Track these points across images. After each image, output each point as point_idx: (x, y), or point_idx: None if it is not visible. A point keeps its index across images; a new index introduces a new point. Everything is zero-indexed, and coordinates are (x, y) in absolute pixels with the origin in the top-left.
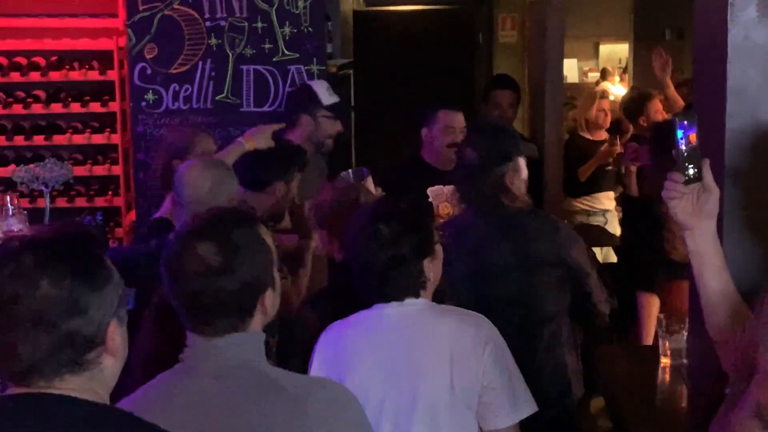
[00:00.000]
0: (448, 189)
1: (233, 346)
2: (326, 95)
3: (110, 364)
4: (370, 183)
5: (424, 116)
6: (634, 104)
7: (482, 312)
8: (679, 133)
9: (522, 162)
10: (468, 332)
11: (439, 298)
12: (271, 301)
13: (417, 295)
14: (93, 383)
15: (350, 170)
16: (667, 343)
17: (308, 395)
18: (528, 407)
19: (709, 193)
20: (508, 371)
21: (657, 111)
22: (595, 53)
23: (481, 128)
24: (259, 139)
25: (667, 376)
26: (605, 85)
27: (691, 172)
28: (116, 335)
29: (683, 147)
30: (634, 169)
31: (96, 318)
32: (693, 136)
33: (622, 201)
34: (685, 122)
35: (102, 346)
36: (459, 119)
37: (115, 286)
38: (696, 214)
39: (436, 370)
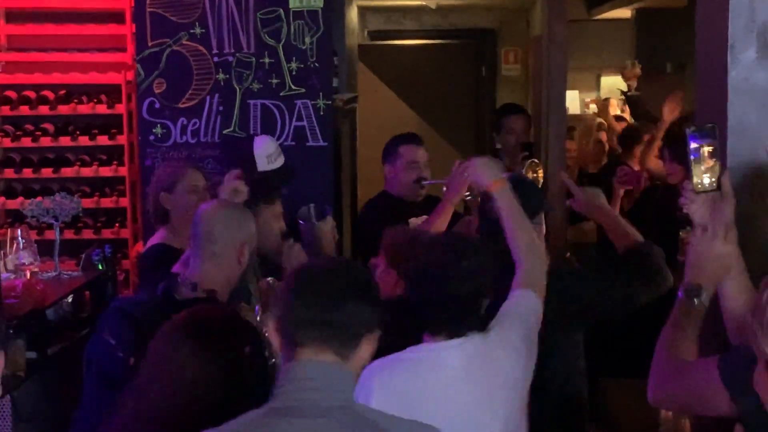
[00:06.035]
0: (422, 220)
1: None
2: (264, 162)
3: None
4: (330, 222)
5: (385, 152)
6: (629, 137)
7: None
8: (691, 145)
9: (542, 217)
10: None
11: None
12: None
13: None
14: None
15: (311, 205)
16: None
17: None
18: None
19: (725, 201)
20: None
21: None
22: (597, 85)
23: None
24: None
25: (671, 411)
26: (610, 114)
27: (706, 181)
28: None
29: (692, 158)
30: (621, 192)
31: None
32: (707, 147)
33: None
34: (697, 135)
35: None
36: (421, 153)
37: None
38: (713, 219)
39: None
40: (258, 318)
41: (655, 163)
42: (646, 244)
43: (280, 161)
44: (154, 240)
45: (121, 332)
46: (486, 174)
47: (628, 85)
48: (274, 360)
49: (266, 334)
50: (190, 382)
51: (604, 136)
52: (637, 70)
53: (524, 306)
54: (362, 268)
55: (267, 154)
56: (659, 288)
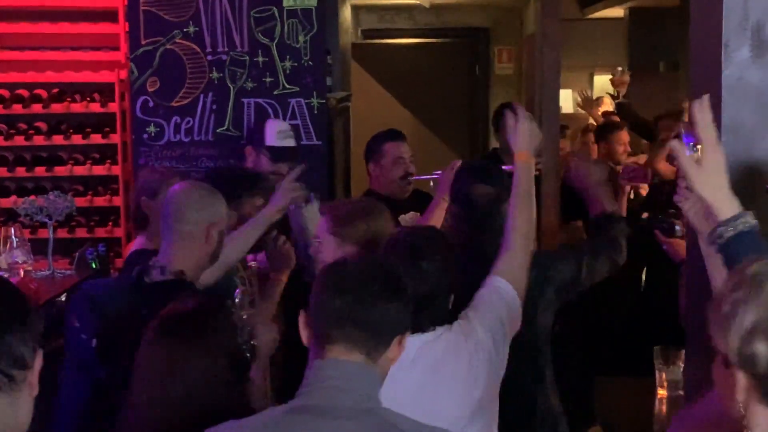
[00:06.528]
0: (411, 216)
1: None
2: (274, 136)
3: (28, 400)
4: (316, 207)
5: (369, 150)
6: (601, 130)
7: None
8: (685, 143)
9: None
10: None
11: None
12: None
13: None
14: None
15: None
16: (663, 375)
17: None
18: None
19: None
20: None
21: (618, 141)
22: (590, 83)
23: (485, 165)
24: (283, 199)
25: (664, 408)
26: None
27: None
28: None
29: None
30: (628, 188)
31: (30, 338)
32: (700, 146)
33: None
34: (691, 133)
35: (30, 370)
36: (405, 149)
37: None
38: (706, 218)
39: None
40: (237, 300)
41: (664, 166)
42: (614, 214)
43: (289, 142)
44: (133, 247)
45: (84, 315)
46: (522, 141)
47: (617, 92)
48: (253, 342)
49: (244, 317)
50: (183, 382)
51: (591, 137)
52: (626, 78)
53: (495, 295)
54: (395, 268)
55: (278, 129)
56: (617, 260)
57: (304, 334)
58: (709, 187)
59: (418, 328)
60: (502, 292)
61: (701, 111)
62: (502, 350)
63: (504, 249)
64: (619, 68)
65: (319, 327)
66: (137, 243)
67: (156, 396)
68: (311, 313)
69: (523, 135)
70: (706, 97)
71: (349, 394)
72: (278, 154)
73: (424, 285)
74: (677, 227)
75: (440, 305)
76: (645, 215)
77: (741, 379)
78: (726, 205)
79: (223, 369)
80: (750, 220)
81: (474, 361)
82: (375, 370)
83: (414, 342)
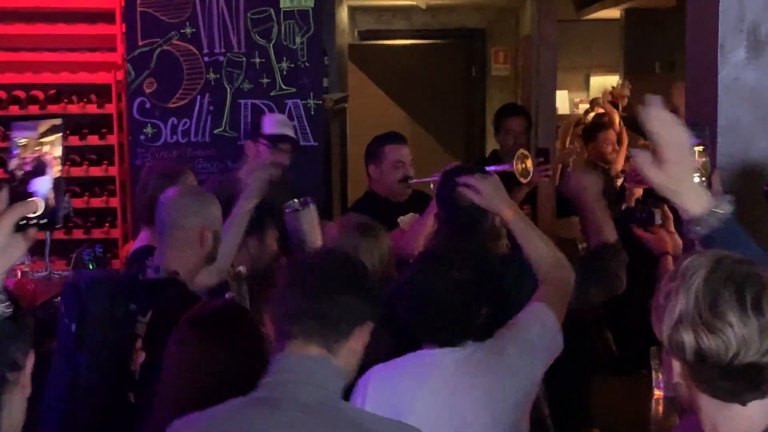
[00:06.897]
0: (410, 218)
1: None
2: (272, 125)
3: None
4: (314, 212)
5: (369, 153)
6: (589, 131)
7: None
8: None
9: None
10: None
11: None
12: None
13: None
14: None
15: (296, 200)
16: (660, 376)
17: None
18: None
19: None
20: None
21: (606, 141)
22: (586, 85)
23: (470, 169)
24: (255, 189)
25: (660, 408)
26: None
27: (696, 179)
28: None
29: None
30: (635, 191)
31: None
32: (697, 147)
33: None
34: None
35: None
36: (405, 152)
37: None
38: None
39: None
40: None
41: None
42: (615, 246)
43: (288, 130)
44: (139, 242)
45: (69, 301)
46: (496, 201)
47: (619, 104)
48: None
49: None
50: (214, 376)
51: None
52: (626, 91)
53: (533, 319)
54: (358, 261)
55: (276, 120)
56: (614, 291)
57: (269, 330)
58: (671, 187)
59: (450, 341)
60: (541, 315)
61: (654, 109)
62: (534, 372)
63: (539, 285)
64: (619, 81)
65: (280, 321)
66: (142, 238)
67: (185, 389)
68: (273, 309)
69: (489, 196)
70: (657, 98)
71: (305, 387)
72: (276, 140)
73: (456, 296)
74: (656, 215)
75: (473, 317)
76: (624, 207)
77: (676, 365)
78: (693, 201)
79: (244, 361)
80: (721, 211)
81: (505, 382)
82: (334, 363)
83: (443, 359)
